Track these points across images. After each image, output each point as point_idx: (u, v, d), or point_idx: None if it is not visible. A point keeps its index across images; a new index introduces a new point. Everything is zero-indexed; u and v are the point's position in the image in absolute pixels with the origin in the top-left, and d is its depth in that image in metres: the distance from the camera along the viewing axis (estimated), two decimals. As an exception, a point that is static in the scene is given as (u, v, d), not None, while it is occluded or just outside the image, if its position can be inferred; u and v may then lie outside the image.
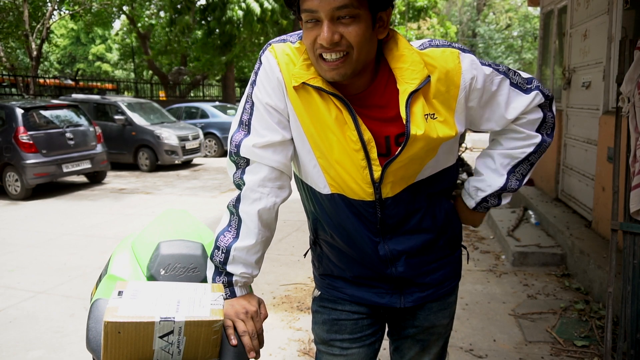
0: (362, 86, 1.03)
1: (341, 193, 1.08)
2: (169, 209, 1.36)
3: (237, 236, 1.09)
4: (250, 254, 1.10)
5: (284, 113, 1.06)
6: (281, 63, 1.04)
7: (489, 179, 1.19)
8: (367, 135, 1.02)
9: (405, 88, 0.99)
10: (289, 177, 1.13)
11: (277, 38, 1.10)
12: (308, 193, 1.16)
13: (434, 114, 1.03)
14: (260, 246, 1.12)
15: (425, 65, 1.01)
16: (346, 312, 1.22)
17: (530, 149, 1.16)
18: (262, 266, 1.18)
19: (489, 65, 1.09)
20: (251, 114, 1.08)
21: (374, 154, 1.03)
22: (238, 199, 1.10)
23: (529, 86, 1.12)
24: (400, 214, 1.12)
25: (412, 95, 0.99)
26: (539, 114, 1.14)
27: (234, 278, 1.09)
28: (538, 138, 1.16)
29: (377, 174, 1.04)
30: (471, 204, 1.23)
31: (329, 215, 1.13)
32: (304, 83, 1.01)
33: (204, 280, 1.14)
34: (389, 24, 1.02)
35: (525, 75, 1.13)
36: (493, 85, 1.09)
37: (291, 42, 1.07)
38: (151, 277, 1.12)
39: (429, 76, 1.00)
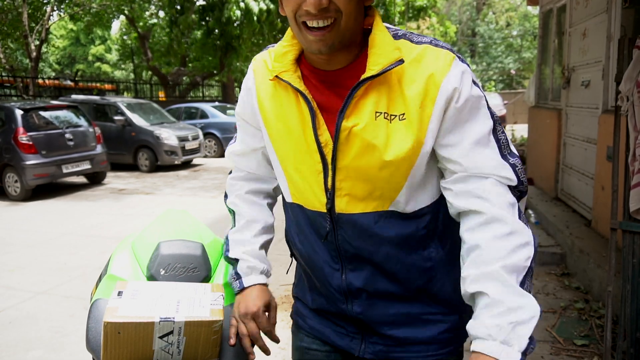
0: (344, 61, 0.91)
1: (300, 203, 1.00)
2: (169, 209, 1.36)
3: (234, 225, 1.15)
4: (245, 232, 1.12)
5: (254, 122, 1.06)
6: (256, 71, 1.03)
7: (518, 303, 0.78)
8: (325, 136, 0.91)
9: (365, 75, 0.86)
10: (271, 178, 1.15)
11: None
12: (283, 201, 1.14)
13: (393, 115, 0.86)
14: (256, 225, 1.12)
15: (398, 49, 0.86)
16: (318, 341, 1.10)
17: (531, 252, 0.83)
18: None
19: (484, 97, 0.89)
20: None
21: (330, 157, 0.92)
22: (226, 196, 1.19)
23: (509, 155, 0.89)
24: (362, 243, 0.95)
25: (365, 84, 0.86)
26: (510, 197, 0.86)
27: (238, 265, 1.10)
28: (529, 234, 0.85)
29: (331, 180, 0.93)
30: (515, 356, 0.76)
31: (296, 227, 1.06)
32: (276, 76, 0.93)
33: (204, 281, 1.14)
34: None
35: (513, 148, 0.91)
36: (473, 112, 0.87)
37: (272, 47, 1.02)
38: (151, 277, 1.12)
39: (400, 60, 0.84)
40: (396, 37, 0.90)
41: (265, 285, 1.12)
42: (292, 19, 0.87)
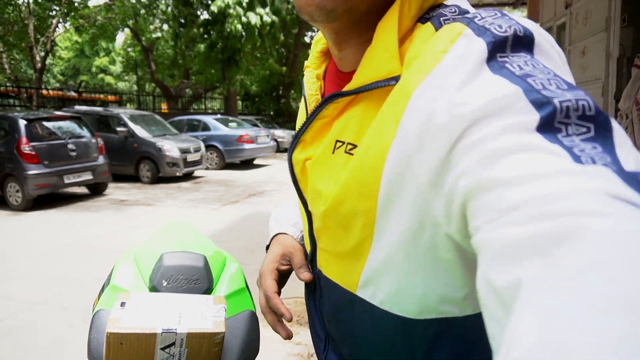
0: (356, 60, 0.56)
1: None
2: (172, 220, 1.37)
3: None
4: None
5: None
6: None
7: None
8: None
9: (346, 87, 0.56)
10: None
11: None
12: None
13: (355, 146, 0.54)
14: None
15: (395, 57, 0.50)
16: None
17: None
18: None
19: (524, 80, 0.39)
20: None
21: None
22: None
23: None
24: (336, 323, 0.68)
25: (336, 100, 0.56)
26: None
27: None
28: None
29: (307, 225, 0.70)
30: None
31: None
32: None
33: (206, 292, 1.15)
34: None
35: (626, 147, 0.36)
36: (500, 112, 0.39)
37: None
38: (153, 289, 1.13)
39: (391, 79, 0.50)
40: (448, 19, 0.50)
41: (285, 234, 0.84)
42: None
